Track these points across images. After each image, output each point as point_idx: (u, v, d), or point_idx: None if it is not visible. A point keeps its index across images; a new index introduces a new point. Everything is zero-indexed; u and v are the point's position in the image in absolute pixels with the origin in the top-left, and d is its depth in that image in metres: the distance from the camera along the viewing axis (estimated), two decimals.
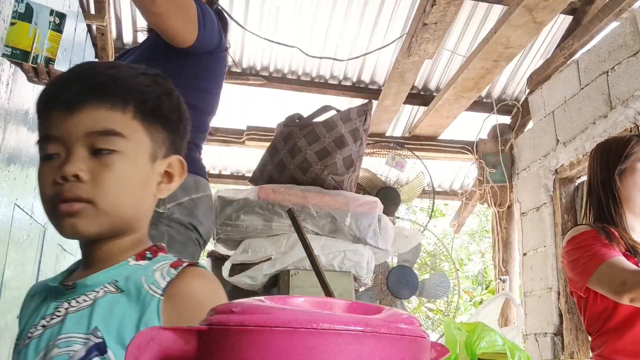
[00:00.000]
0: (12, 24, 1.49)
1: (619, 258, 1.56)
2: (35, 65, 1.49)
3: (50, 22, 1.50)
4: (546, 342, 3.68)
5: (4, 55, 1.49)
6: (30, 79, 1.55)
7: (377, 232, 2.21)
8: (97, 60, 3.74)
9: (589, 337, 1.71)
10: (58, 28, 1.52)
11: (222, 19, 1.84)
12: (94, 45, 3.67)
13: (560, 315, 3.59)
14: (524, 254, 4.06)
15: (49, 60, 1.52)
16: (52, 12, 1.50)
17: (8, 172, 2.18)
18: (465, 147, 4.66)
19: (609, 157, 1.73)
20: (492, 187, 4.45)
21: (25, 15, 1.48)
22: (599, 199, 1.72)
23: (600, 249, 1.59)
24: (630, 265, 1.54)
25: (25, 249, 2.48)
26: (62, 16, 1.53)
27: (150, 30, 1.76)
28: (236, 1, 3.74)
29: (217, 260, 2.42)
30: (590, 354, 1.74)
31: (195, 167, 1.62)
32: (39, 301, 0.85)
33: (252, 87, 4.32)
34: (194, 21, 1.55)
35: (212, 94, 1.72)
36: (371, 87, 4.49)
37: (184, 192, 1.54)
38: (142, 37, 3.96)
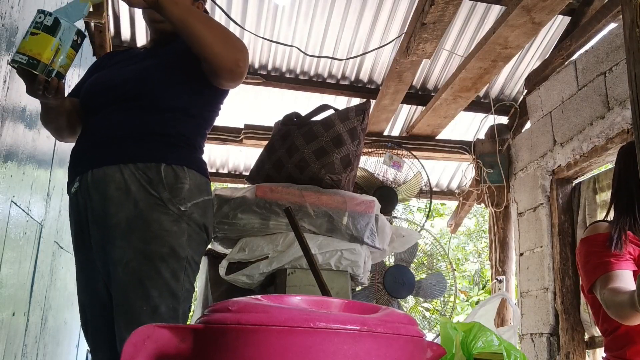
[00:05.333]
0: (33, 33, 1.46)
1: (618, 273, 1.60)
2: (49, 79, 1.48)
3: (73, 40, 1.50)
4: (542, 342, 3.68)
5: (15, 61, 1.46)
6: (33, 91, 1.52)
7: (374, 231, 2.21)
8: (94, 57, 3.73)
9: (594, 334, 1.72)
10: (77, 46, 1.52)
11: None
12: (92, 42, 3.66)
13: (557, 316, 3.59)
14: (521, 254, 4.07)
15: (61, 76, 1.51)
16: (78, 31, 1.50)
17: (5, 170, 2.17)
18: (462, 147, 4.66)
19: None
20: (489, 187, 4.45)
21: (51, 28, 1.46)
22: (628, 194, 1.74)
23: (607, 259, 1.63)
24: (624, 286, 1.57)
25: (21, 246, 2.47)
26: (83, 36, 1.53)
27: (165, 44, 1.77)
28: (235, 0, 3.74)
29: (214, 258, 2.41)
30: (604, 354, 1.75)
31: (205, 169, 1.68)
32: None
33: (250, 86, 4.31)
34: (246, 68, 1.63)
35: (220, 104, 1.80)
36: (369, 86, 4.49)
37: (200, 193, 1.59)
38: (140, 35, 3.96)
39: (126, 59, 1.79)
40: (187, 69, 1.64)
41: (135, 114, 1.60)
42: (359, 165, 2.77)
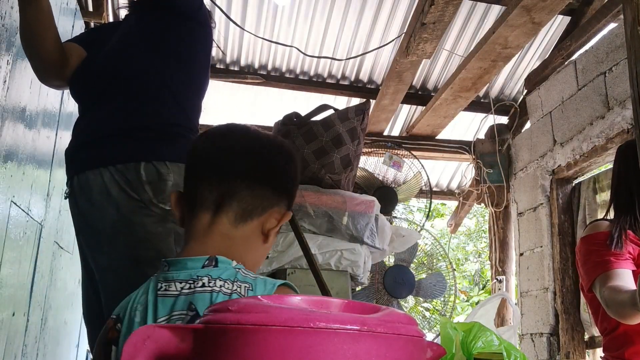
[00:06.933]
0: None
1: (618, 272, 1.61)
2: None
3: None
4: (542, 342, 3.68)
5: None
6: None
7: (374, 231, 2.21)
8: None
9: (594, 334, 1.72)
10: None
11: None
12: None
13: (557, 316, 3.59)
14: (521, 254, 4.07)
15: None
16: None
17: (5, 169, 2.17)
18: (462, 147, 4.66)
19: None
20: (489, 187, 4.45)
21: None
22: (628, 193, 1.73)
23: (606, 258, 1.63)
24: (624, 284, 1.57)
25: (21, 246, 2.47)
26: None
27: (132, 6, 1.72)
28: (234, 1, 3.74)
29: None
30: (602, 354, 1.75)
31: None
32: None
33: (250, 86, 4.31)
34: None
35: (203, 68, 1.68)
36: (369, 86, 4.49)
37: None
38: None
39: (105, 41, 1.67)
40: (155, 30, 1.58)
41: (117, 109, 1.53)
42: (359, 165, 2.77)
